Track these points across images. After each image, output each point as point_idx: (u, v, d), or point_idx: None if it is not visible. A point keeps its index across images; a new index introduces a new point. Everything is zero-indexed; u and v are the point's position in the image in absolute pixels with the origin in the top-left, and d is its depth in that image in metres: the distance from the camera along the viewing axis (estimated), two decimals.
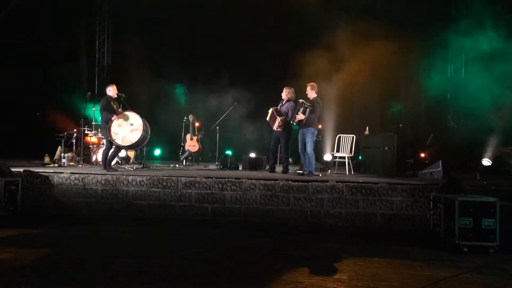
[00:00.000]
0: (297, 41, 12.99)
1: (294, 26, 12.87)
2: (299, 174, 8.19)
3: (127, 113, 8.40)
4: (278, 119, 8.27)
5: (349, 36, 12.24)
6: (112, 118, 8.18)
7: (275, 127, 8.38)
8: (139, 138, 8.33)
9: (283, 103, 8.64)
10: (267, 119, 8.61)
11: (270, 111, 8.55)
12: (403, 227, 6.59)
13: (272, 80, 11.73)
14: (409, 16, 12.31)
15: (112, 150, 8.38)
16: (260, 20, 12.91)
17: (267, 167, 9.02)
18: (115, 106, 8.44)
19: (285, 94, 8.65)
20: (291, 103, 8.54)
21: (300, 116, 8.01)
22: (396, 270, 4.59)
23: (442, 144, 11.39)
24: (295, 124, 8.17)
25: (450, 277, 4.35)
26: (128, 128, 8.29)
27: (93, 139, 10.42)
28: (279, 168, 8.94)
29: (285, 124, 8.37)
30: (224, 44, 13.35)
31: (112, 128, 8.19)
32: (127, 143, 8.36)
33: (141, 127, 8.31)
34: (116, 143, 8.27)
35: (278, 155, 9.14)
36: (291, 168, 9.23)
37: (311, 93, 8.22)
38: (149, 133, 8.61)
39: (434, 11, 12.62)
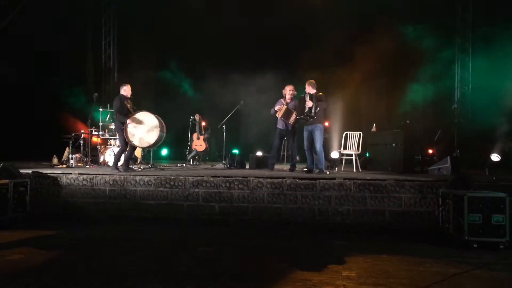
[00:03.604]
0: (304, 38, 12.98)
1: (301, 23, 12.82)
2: (306, 172, 8.17)
3: (142, 113, 8.32)
4: (295, 113, 8.29)
5: (357, 33, 12.23)
6: (127, 122, 8.14)
7: (291, 120, 8.37)
8: (157, 139, 8.30)
9: (289, 101, 8.61)
10: (280, 116, 8.48)
11: (283, 108, 8.44)
12: (412, 224, 6.55)
13: (278, 78, 11.69)
14: (415, 14, 12.29)
15: (127, 150, 8.37)
16: (267, 18, 12.88)
17: (270, 167, 8.92)
18: (129, 106, 8.37)
19: (290, 92, 8.62)
20: (296, 101, 8.55)
21: (309, 103, 7.91)
22: (405, 267, 4.57)
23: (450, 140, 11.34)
24: (309, 115, 7.98)
25: (460, 273, 4.32)
26: (144, 129, 8.23)
27: (97, 140, 10.46)
28: (280, 166, 8.93)
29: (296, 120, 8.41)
30: (230, 42, 13.34)
31: (128, 129, 8.16)
32: (145, 144, 8.35)
33: (158, 127, 8.28)
34: (133, 144, 8.24)
35: (286, 153, 9.12)
36: (298, 166, 9.20)
37: (311, 90, 8.13)
38: (165, 132, 8.58)
39: (440, 9, 12.55)
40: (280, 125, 8.69)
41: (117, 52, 14.43)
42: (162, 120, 8.49)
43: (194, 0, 12.80)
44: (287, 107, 8.44)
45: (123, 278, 4.11)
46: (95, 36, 14.22)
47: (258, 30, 12.94)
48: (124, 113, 8.22)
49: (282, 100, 8.70)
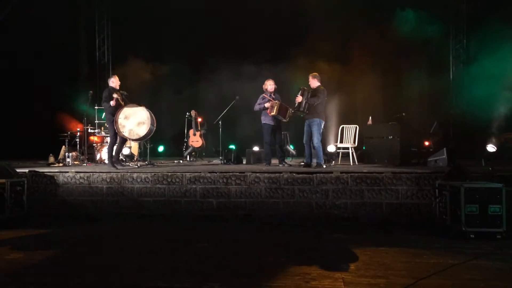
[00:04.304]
0: (299, 32, 12.95)
1: (297, 16, 12.80)
2: (304, 166, 8.16)
3: (133, 105, 8.32)
4: (290, 109, 8.35)
5: (352, 26, 12.21)
6: (111, 103, 8.09)
7: (287, 117, 8.43)
8: (146, 132, 8.31)
9: (273, 96, 8.60)
10: (274, 113, 8.41)
11: (276, 105, 8.38)
12: (409, 216, 6.58)
13: (274, 72, 11.67)
14: (409, 5, 12.28)
15: (116, 144, 8.35)
16: (265, 12, 12.85)
17: (266, 163, 8.89)
18: (119, 98, 8.36)
19: (272, 86, 8.61)
20: (277, 94, 8.60)
21: (298, 98, 7.93)
22: (403, 258, 4.59)
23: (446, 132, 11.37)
24: (300, 111, 7.99)
25: (458, 264, 4.35)
26: (134, 121, 8.22)
27: (96, 139, 10.44)
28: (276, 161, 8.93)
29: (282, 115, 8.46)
30: (227, 38, 13.32)
31: (119, 120, 8.14)
32: (134, 136, 8.33)
33: (148, 121, 8.26)
34: (123, 135, 8.23)
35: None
36: (295, 160, 9.20)
37: (314, 82, 8.15)
38: (155, 126, 8.59)
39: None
40: (267, 120, 8.60)
41: (111, 48, 14.38)
42: (152, 115, 8.49)
43: None
44: (282, 103, 8.42)
45: (122, 275, 4.11)
46: (88, 33, 14.16)
47: (256, 25, 12.92)
48: (114, 105, 8.20)
49: (265, 95, 8.64)
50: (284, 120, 8.51)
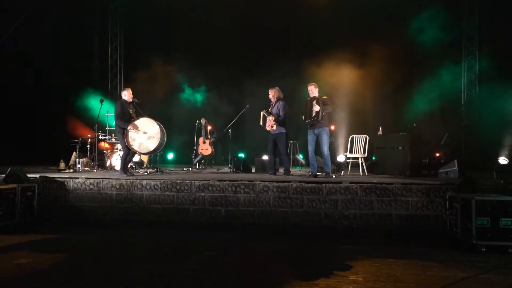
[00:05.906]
0: (310, 42, 12.99)
1: (307, 27, 12.85)
2: (314, 176, 8.12)
3: (143, 119, 8.33)
4: (268, 118, 8.43)
5: (363, 36, 12.21)
6: (128, 128, 8.14)
7: (268, 128, 8.52)
8: (156, 146, 8.32)
9: (274, 105, 8.65)
10: (261, 123, 8.64)
11: (261, 115, 8.61)
12: (419, 228, 6.51)
13: (284, 81, 11.69)
14: (422, 15, 12.25)
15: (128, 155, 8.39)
16: (274, 23, 12.91)
17: (270, 172, 8.81)
18: (130, 111, 8.41)
19: (271, 95, 8.70)
20: (281, 102, 8.57)
21: (316, 108, 7.84)
22: (412, 271, 4.54)
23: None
24: (317, 121, 7.90)
25: (468, 277, 4.29)
26: (145, 135, 8.25)
27: (107, 145, 10.51)
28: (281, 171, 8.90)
29: (280, 123, 8.46)
30: (238, 47, 13.41)
31: (129, 134, 8.18)
32: (144, 150, 8.35)
33: (158, 135, 8.28)
34: (133, 149, 8.26)
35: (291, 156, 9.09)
36: (304, 170, 9.16)
37: (316, 92, 8.12)
38: (165, 139, 8.61)
39: (446, 11, 12.49)
40: (271, 131, 8.71)
41: (123, 57, 14.54)
42: (163, 128, 8.51)
43: (199, 4, 12.91)
44: (263, 114, 8.58)
45: (129, 282, 4.12)
46: (101, 41, 14.34)
47: (264, 32, 12.98)
48: (125, 119, 8.24)
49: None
50: (267, 129, 8.58)
